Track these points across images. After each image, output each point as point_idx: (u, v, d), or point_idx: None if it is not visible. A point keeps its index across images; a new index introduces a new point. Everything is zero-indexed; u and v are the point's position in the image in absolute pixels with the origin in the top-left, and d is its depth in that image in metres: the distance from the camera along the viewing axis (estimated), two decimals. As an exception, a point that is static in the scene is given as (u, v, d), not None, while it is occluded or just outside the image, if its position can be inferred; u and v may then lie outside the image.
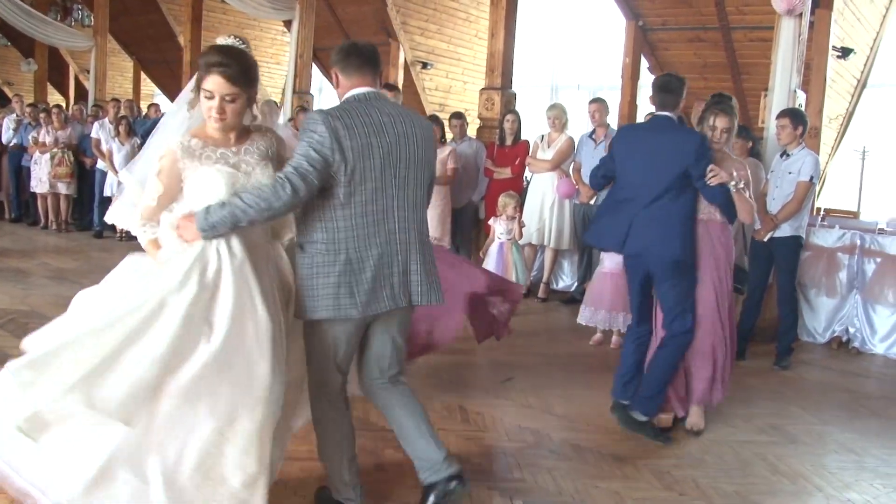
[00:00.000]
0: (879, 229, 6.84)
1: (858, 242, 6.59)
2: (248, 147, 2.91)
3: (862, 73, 9.46)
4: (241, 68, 2.78)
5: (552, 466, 3.85)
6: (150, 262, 2.98)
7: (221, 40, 2.95)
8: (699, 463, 4.02)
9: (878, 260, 6.49)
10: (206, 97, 2.79)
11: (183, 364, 2.67)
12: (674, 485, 3.73)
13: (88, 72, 18.82)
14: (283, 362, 2.86)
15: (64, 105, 17.28)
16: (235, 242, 2.82)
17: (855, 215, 8.05)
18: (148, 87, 19.52)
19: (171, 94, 17.43)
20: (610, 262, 6.22)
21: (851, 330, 6.63)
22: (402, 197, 2.99)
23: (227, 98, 2.77)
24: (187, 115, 3.01)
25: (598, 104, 7.53)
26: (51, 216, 11.17)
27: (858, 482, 3.92)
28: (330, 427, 3.09)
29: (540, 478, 3.70)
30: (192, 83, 2.88)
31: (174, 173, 2.84)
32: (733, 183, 4.10)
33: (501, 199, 7.06)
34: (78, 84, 19.97)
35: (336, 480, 3.11)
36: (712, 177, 4.07)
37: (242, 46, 2.92)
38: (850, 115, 9.55)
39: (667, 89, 4.36)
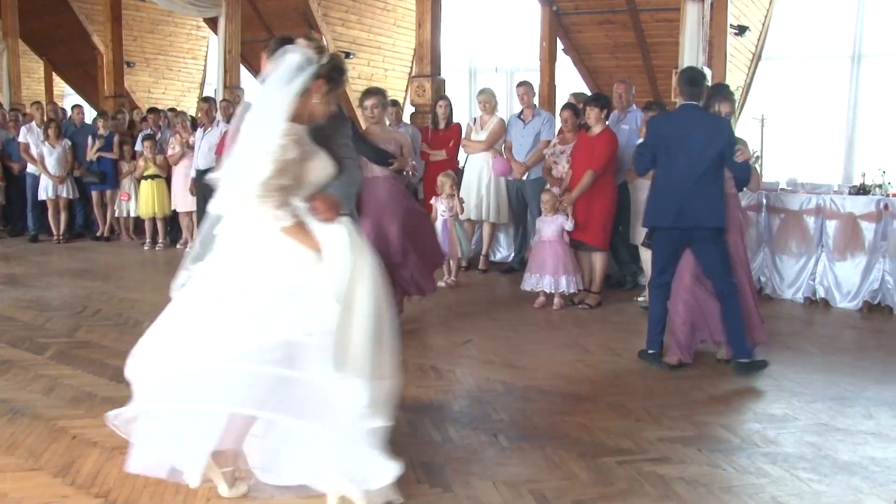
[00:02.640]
0: (781, 189, 7.65)
1: (764, 201, 7.38)
2: None
3: (756, 47, 10.30)
4: None
5: (524, 408, 4.42)
6: (302, 251, 3.07)
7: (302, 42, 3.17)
8: (648, 395, 4.66)
9: (782, 216, 7.29)
10: None
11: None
12: (629, 414, 4.34)
13: (-6, 75, 18.41)
14: None
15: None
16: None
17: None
18: (59, 88, 19.13)
19: (87, 94, 17.22)
20: (547, 230, 6.84)
21: (763, 279, 7.44)
22: None
23: None
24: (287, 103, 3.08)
25: (526, 87, 8.12)
26: (-21, 224, 11.09)
27: (778, 400, 4.63)
28: None
29: (516, 417, 4.26)
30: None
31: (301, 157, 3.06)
32: (752, 159, 4.97)
33: (440, 179, 7.57)
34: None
35: None
36: (739, 154, 4.90)
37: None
38: (748, 87, 10.38)
39: (693, 82, 5.09)
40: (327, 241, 3.06)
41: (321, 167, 3.14)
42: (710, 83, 7.22)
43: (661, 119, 5.66)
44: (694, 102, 5.09)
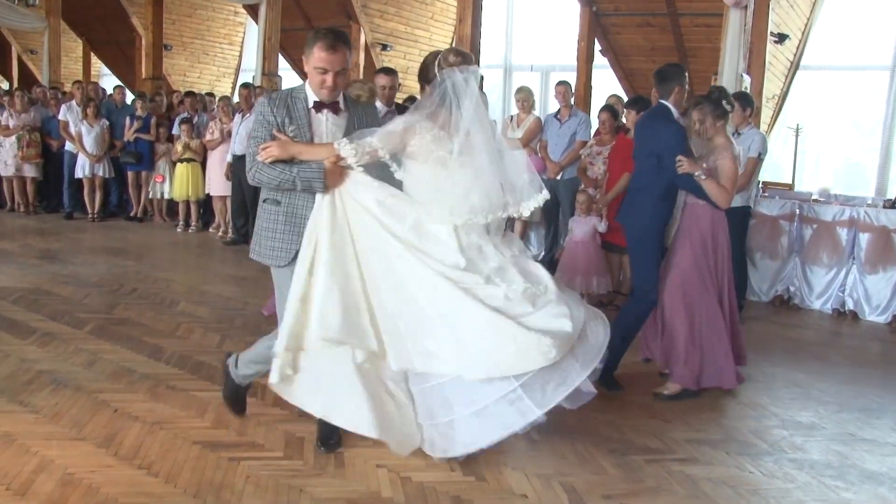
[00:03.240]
0: (813, 199, 7.64)
1: (797, 211, 7.39)
2: None
3: (795, 55, 10.26)
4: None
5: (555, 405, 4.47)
6: None
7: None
8: (679, 398, 4.70)
9: (815, 226, 7.29)
10: None
11: None
12: (658, 413, 4.40)
13: (32, 52, 18.67)
14: None
15: (8, 86, 17.12)
16: None
17: (790, 187, 8.84)
18: (96, 67, 19.38)
19: (123, 74, 17.45)
20: (579, 231, 6.89)
21: (791, 289, 7.44)
22: None
23: None
24: None
25: (564, 86, 8.15)
26: (17, 199, 11.29)
27: (806, 409, 4.66)
28: None
29: (548, 413, 4.28)
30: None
31: None
32: (698, 173, 4.60)
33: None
34: (21, 65, 19.68)
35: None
36: (679, 166, 4.52)
37: None
38: (784, 95, 10.34)
39: (662, 78, 4.77)
40: None
41: None
42: (748, 89, 7.28)
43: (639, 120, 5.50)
44: (662, 101, 4.77)
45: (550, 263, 8.09)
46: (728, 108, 4.71)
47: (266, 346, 3.65)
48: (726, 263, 4.79)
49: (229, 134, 9.58)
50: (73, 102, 10.97)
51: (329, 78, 3.42)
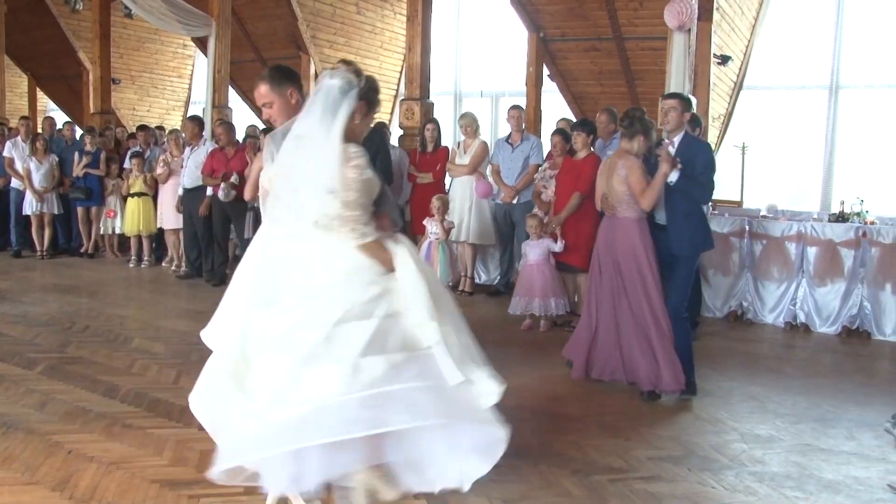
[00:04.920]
0: (762, 215, 7.82)
1: (746, 227, 7.55)
2: None
3: (738, 76, 10.53)
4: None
5: (517, 427, 4.35)
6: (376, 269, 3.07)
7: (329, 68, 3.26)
8: (637, 415, 4.75)
9: (764, 242, 7.46)
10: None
11: None
12: (619, 433, 4.43)
13: (-26, 88, 18.32)
14: None
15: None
16: None
17: (739, 204, 9.04)
18: (42, 102, 19.06)
19: (71, 109, 17.20)
20: (533, 254, 6.94)
21: (745, 304, 7.58)
22: None
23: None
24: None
25: (517, 111, 8.26)
26: (-39, 238, 11.01)
27: (763, 422, 4.74)
28: None
29: (508, 436, 4.31)
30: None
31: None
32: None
33: (433, 201, 7.62)
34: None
35: None
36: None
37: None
38: (729, 115, 10.60)
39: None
40: (397, 256, 3.09)
41: (374, 184, 3.16)
42: (695, 110, 7.42)
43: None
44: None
45: (507, 287, 8.16)
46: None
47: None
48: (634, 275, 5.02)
49: (180, 167, 9.49)
50: (19, 139, 10.79)
51: (265, 111, 3.60)
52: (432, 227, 7.51)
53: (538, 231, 6.95)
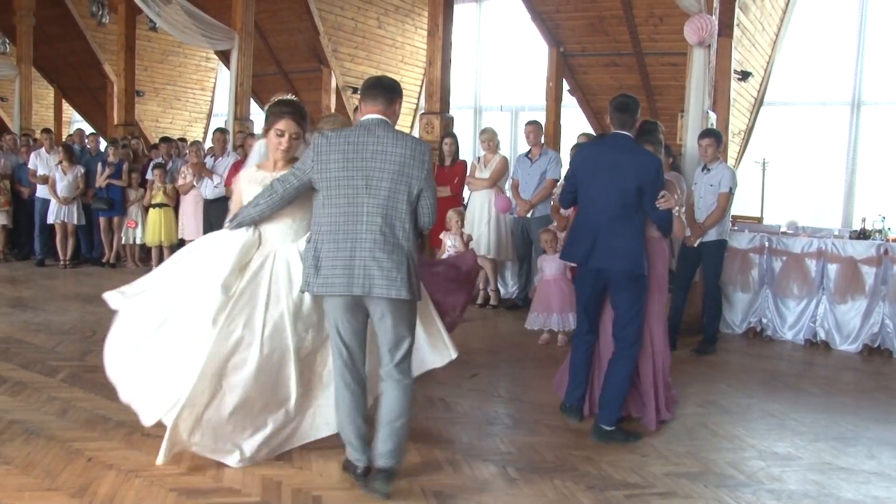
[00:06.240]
0: (782, 232, 7.77)
1: (766, 244, 7.51)
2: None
3: (759, 92, 10.49)
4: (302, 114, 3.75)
5: (532, 441, 4.48)
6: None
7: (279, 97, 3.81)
8: (654, 431, 4.72)
9: (784, 258, 7.41)
10: (277, 135, 3.80)
11: None
12: (636, 449, 4.41)
13: (3, 99, 18.58)
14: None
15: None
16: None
17: (759, 220, 8.99)
18: (67, 114, 19.34)
19: (95, 120, 17.44)
20: (549, 269, 6.93)
21: (764, 321, 7.53)
22: (373, 204, 3.57)
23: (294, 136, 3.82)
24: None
25: (534, 126, 8.27)
26: (-13, 246, 11.16)
27: (782, 439, 4.70)
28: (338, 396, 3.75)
29: (524, 450, 4.33)
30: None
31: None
32: (677, 208, 4.68)
33: (449, 214, 7.62)
34: (-11, 112, 19.56)
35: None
36: (662, 201, 4.42)
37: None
38: (749, 131, 10.56)
39: (622, 109, 4.55)
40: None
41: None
42: (714, 125, 7.42)
43: (586, 149, 5.21)
44: (625, 132, 4.59)
45: (525, 301, 8.15)
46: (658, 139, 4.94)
47: None
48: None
49: (201, 177, 9.58)
50: (42, 150, 10.95)
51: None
52: (450, 240, 7.51)
53: (553, 245, 6.95)
